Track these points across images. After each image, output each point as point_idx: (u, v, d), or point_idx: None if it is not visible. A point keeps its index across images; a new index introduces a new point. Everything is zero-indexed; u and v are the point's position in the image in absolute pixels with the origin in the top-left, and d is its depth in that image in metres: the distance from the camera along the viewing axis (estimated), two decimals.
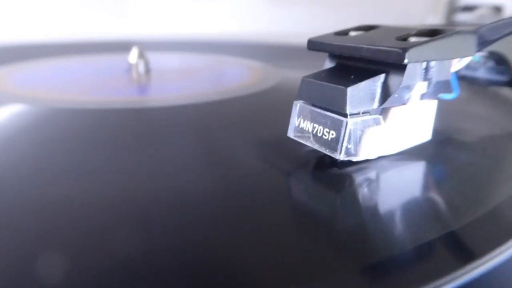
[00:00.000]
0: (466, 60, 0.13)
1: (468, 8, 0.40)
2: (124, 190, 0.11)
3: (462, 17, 0.40)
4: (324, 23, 0.48)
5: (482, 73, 0.17)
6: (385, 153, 0.12)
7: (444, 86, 0.12)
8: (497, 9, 0.38)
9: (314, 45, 0.12)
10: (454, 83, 0.13)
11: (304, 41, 0.13)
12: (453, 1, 0.41)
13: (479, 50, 0.12)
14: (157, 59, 0.24)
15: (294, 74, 0.24)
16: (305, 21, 0.49)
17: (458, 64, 0.13)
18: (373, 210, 0.10)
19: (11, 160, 0.13)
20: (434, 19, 0.43)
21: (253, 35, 0.44)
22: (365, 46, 0.11)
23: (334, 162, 0.12)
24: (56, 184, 0.11)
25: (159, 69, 0.24)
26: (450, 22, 0.41)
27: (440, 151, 0.14)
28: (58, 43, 0.37)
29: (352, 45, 0.11)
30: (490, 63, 0.16)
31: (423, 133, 0.13)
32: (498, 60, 0.16)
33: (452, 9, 0.41)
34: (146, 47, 0.24)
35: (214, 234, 0.09)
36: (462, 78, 0.13)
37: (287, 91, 0.20)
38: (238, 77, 0.22)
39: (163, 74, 0.23)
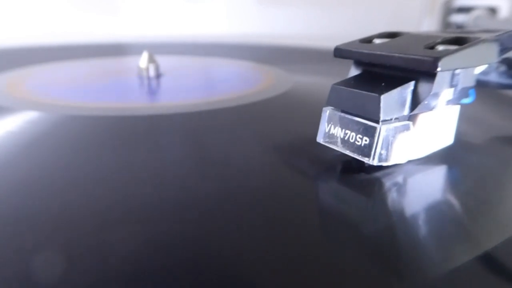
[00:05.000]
0: (484, 66, 0.13)
1: (464, 10, 0.40)
2: (149, 199, 0.11)
3: (457, 18, 0.41)
4: (318, 24, 0.49)
5: (493, 77, 0.17)
6: (413, 157, 0.12)
7: (467, 91, 0.13)
8: (492, 10, 0.39)
9: (342, 52, 0.13)
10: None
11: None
12: (449, 2, 0.42)
13: (499, 57, 0.13)
14: (161, 62, 0.24)
15: (305, 78, 0.24)
16: (299, 22, 0.49)
17: (476, 70, 0.13)
18: (408, 215, 0.11)
19: (23, 166, 0.13)
20: (430, 20, 0.43)
21: (247, 37, 0.44)
22: (396, 54, 0.11)
23: (361, 167, 0.12)
24: (69, 191, 0.11)
25: (166, 73, 0.24)
26: (446, 24, 0.42)
27: (462, 155, 0.14)
28: (56, 46, 0.37)
29: (383, 53, 0.12)
30: (502, 68, 0.17)
31: (446, 137, 0.13)
32: (510, 64, 0.16)
33: (448, 10, 0.42)
34: (144, 49, 0.24)
35: (242, 240, 0.09)
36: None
37: (302, 96, 0.20)
38: (250, 82, 0.23)
39: (173, 78, 0.24)
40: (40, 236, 0.09)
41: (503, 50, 0.13)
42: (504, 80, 0.17)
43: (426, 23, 0.44)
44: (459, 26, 0.40)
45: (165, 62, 0.25)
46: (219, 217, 0.10)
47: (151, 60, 0.23)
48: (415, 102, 0.11)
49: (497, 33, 0.13)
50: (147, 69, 0.23)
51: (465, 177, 0.13)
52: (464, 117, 0.14)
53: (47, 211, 0.10)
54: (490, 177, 0.13)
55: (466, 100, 0.14)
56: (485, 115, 0.19)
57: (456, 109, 0.13)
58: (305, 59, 0.34)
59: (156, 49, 0.26)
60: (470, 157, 0.14)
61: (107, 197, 0.11)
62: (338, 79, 0.13)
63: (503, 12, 0.38)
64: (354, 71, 0.13)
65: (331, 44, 0.13)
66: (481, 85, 0.18)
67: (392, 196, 0.12)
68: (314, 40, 0.46)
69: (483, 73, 0.18)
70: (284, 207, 0.11)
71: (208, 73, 0.27)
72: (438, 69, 0.11)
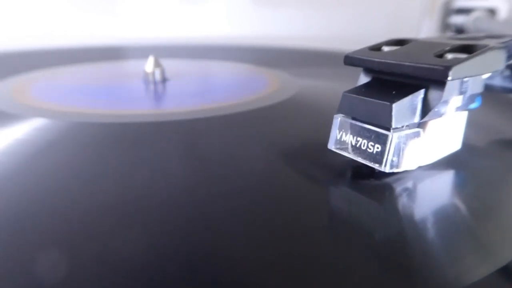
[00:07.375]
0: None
1: (463, 11, 0.41)
2: (164, 205, 0.11)
3: (457, 19, 0.41)
4: (318, 25, 0.49)
5: (498, 82, 0.17)
6: (423, 163, 0.13)
7: (475, 97, 0.13)
8: (492, 12, 0.39)
9: (352, 60, 0.13)
10: None
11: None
12: (448, 3, 0.42)
13: (506, 63, 0.13)
14: (165, 66, 0.24)
15: (310, 82, 0.24)
16: (299, 23, 0.49)
17: (484, 76, 0.13)
18: (419, 221, 0.11)
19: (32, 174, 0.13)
20: (430, 21, 0.44)
21: (248, 38, 0.44)
22: (407, 63, 0.11)
23: (371, 173, 0.13)
24: (75, 196, 0.11)
25: (171, 77, 0.24)
26: (446, 25, 0.42)
27: (470, 160, 0.14)
28: (58, 50, 0.37)
29: (394, 62, 0.12)
30: (507, 72, 0.17)
31: (454, 142, 0.14)
32: None
33: (447, 11, 0.42)
34: (143, 51, 0.24)
35: (251, 246, 0.09)
36: None
37: (309, 101, 0.20)
38: (257, 86, 0.23)
39: (178, 83, 0.24)
40: (44, 240, 0.09)
41: (510, 56, 0.13)
42: (509, 84, 0.17)
43: (426, 24, 0.44)
44: (459, 27, 0.40)
45: (169, 65, 0.25)
46: (228, 226, 0.10)
47: (157, 64, 0.23)
48: (426, 109, 0.12)
49: (504, 40, 0.13)
50: (153, 73, 0.23)
51: (474, 182, 0.13)
52: (469, 122, 0.14)
53: (53, 216, 0.10)
54: (499, 181, 0.13)
55: (473, 105, 0.14)
56: (490, 120, 0.19)
57: (464, 115, 0.13)
58: (307, 61, 0.34)
59: (157, 51, 0.26)
60: (477, 161, 0.14)
61: (112, 202, 0.11)
62: (344, 83, 0.13)
63: (502, 14, 0.39)
64: (363, 78, 0.13)
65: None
66: (486, 89, 0.18)
67: (403, 201, 0.12)
68: (315, 41, 0.46)
69: (488, 77, 0.18)
70: (296, 212, 0.11)
71: (213, 77, 0.27)
72: (449, 77, 0.11)
